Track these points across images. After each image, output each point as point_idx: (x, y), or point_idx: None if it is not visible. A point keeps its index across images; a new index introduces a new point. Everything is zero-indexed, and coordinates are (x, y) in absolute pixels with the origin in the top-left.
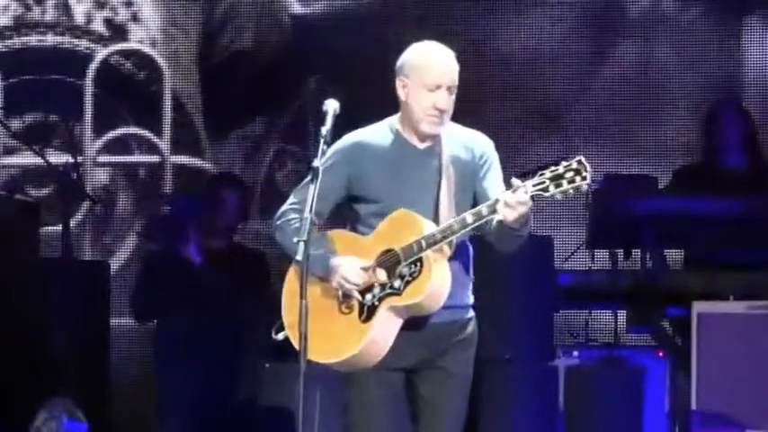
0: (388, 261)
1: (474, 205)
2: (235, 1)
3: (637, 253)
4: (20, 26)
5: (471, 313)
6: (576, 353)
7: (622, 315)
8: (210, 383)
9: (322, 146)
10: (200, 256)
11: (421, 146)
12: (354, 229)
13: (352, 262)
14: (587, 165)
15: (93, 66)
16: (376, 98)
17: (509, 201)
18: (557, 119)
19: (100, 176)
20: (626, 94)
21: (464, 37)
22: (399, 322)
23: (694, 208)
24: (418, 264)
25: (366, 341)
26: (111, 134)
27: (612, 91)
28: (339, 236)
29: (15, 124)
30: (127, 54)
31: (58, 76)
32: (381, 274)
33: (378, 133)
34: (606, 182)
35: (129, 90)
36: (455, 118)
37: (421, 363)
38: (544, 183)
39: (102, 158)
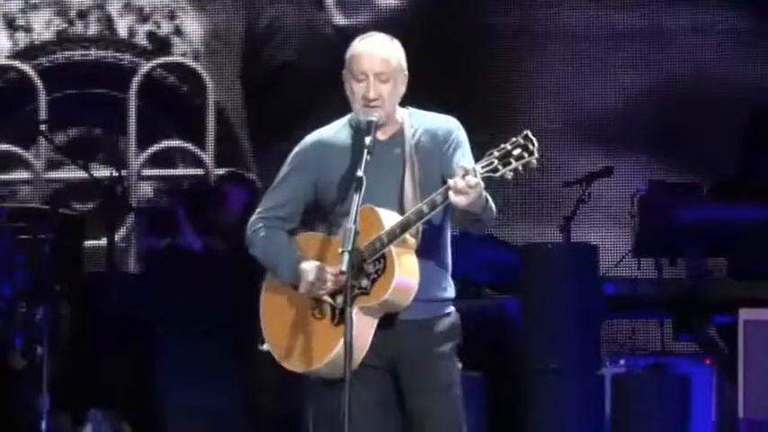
0: (354, 261)
1: None
2: (278, 13)
3: (682, 261)
4: (63, 41)
5: (449, 308)
6: (622, 361)
7: (668, 323)
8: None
9: (366, 156)
10: (199, 249)
11: (382, 137)
12: (330, 232)
13: (319, 267)
14: (534, 139)
15: (137, 79)
16: (419, 108)
17: (458, 186)
18: (598, 129)
19: (144, 189)
20: (669, 102)
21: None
22: (373, 322)
23: (738, 216)
24: (382, 260)
25: (340, 345)
26: (154, 147)
27: (655, 99)
28: (308, 239)
29: (59, 138)
30: (170, 67)
31: (101, 89)
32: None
33: (338, 131)
34: (651, 190)
35: (173, 103)
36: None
37: (396, 361)
38: (492, 163)
39: (147, 172)
